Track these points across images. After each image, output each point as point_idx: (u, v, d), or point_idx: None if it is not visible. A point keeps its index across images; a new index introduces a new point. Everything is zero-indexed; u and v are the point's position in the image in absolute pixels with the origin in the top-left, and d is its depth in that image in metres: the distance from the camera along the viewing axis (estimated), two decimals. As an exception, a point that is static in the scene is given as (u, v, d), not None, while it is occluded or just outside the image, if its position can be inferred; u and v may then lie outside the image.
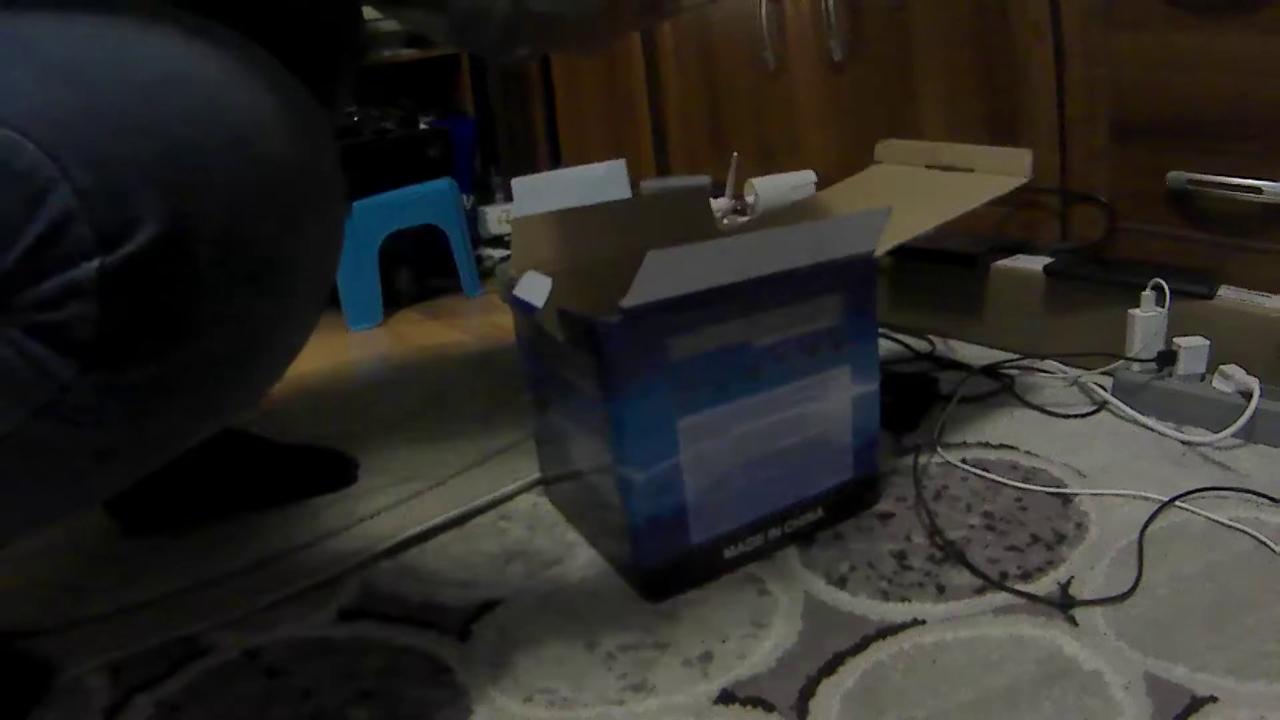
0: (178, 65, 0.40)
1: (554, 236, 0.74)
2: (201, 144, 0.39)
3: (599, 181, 1.52)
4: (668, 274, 0.55)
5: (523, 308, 0.63)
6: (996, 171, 0.83)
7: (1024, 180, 0.81)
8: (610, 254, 0.74)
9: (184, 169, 0.39)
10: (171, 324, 0.40)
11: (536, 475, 0.80)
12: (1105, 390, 0.86)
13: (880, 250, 0.66)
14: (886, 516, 0.70)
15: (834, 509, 0.69)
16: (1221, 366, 0.79)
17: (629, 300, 0.55)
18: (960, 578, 0.61)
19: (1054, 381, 0.93)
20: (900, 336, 1.09)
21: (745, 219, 1.36)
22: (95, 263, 0.37)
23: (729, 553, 0.64)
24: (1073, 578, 0.60)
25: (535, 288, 0.63)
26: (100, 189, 0.37)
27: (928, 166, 0.92)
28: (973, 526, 0.67)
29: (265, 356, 0.47)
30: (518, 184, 1.61)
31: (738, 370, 0.61)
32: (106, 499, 0.79)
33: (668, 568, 0.62)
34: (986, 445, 0.80)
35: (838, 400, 0.66)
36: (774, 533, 0.66)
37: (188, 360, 0.41)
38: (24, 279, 0.37)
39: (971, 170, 0.86)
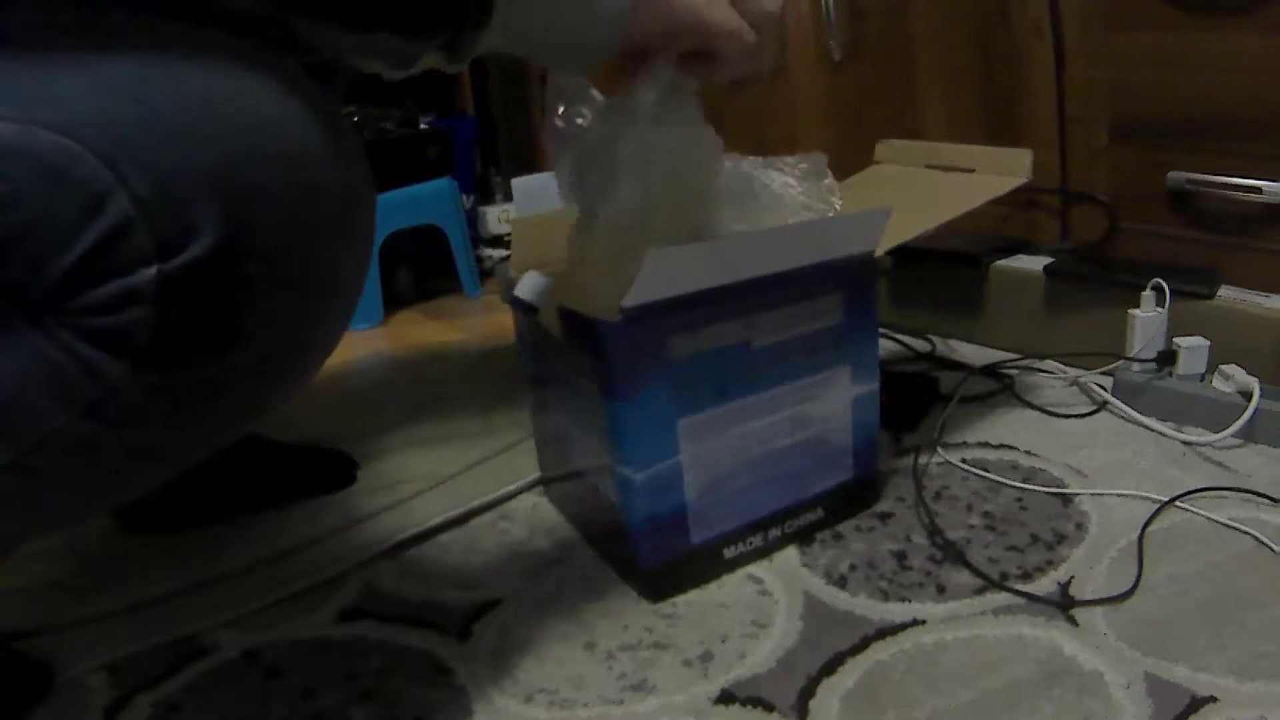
0: (230, 83, 0.42)
1: (554, 236, 0.74)
2: (255, 158, 0.41)
3: (599, 181, 1.51)
4: (668, 274, 0.55)
5: (523, 308, 0.63)
6: (997, 171, 0.83)
7: (1024, 180, 0.81)
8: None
9: (239, 181, 0.40)
10: (222, 330, 0.41)
11: (536, 475, 0.80)
12: (1105, 390, 0.86)
13: (880, 250, 0.66)
14: (886, 516, 0.70)
15: (834, 509, 0.69)
16: (1221, 366, 0.79)
17: (629, 300, 0.55)
18: (960, 578, 0.61)
19: (1054, 381, 0.93)
20: (900, 336, 1.09)
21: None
22: (153, 269, 0.38)
23: (729, 553, 0.64)
24: (1073, 578, 0.60)
25: (535, 288, 0.63)
26: (159, 198, 0.38)
27: (928, 166, 0.92)
28: (973, 526, 0.67)
29: (304, 359, 0.49)
30: (518, 184, 1.60)
31: (738, 370, 0.61)
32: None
33: (668, 568, 0.62)
34: (986, 445, 0.80)
35: (837, 400, 0.66)
36: (774, 533, 0.66)
37: (235, 364, 0.42)
38: (80, 283, 0.38)
39: (972, 170, 0.86)
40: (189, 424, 0.44)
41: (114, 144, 0.37)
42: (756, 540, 0.66)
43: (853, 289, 0.65)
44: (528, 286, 0.63)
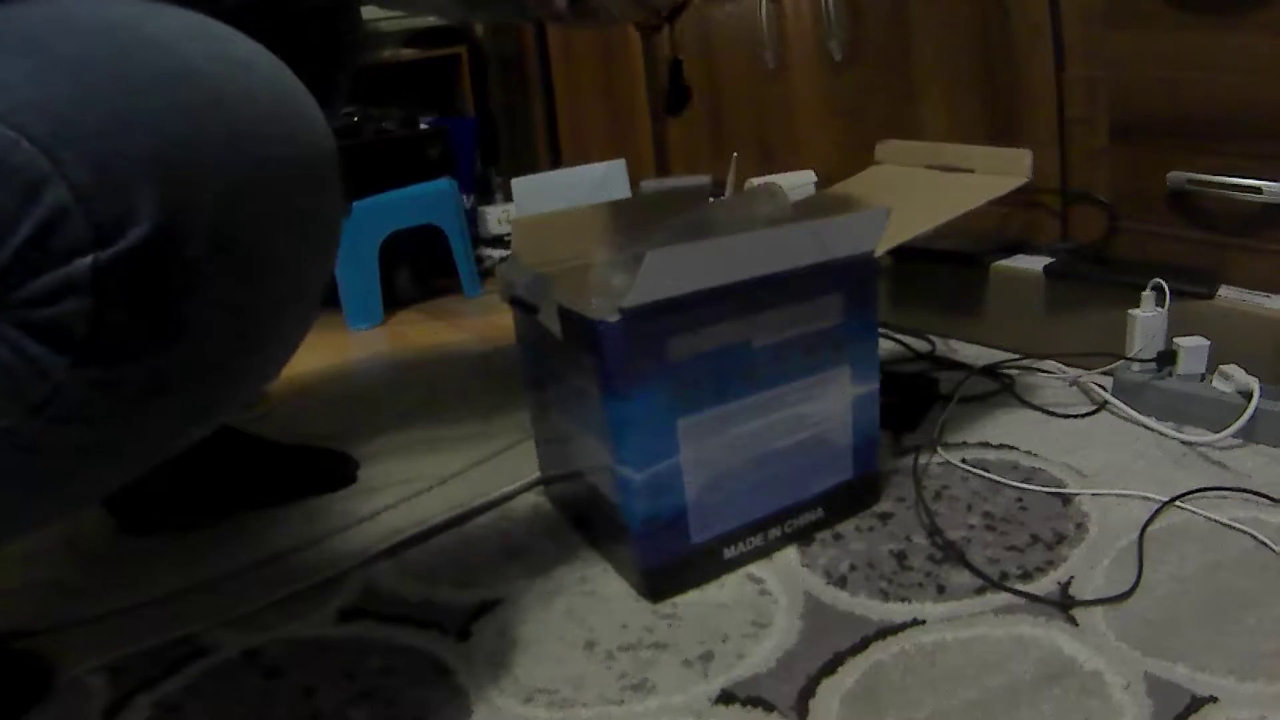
0: (176, 61, 0.40)
1: (554, 236, 0.74)
2: (198, 139, 0.39)
3: (599, 181, 1.52)
4: (667, 274, 0.55)
5: (523, 308, 0.63)
6: (996, 172, 0.83)
7: (1024, 180, 0.81)
8: (610, 253, 0.74)
9: (180, 164, 0.38)
10: (165, 320, 0.40)
11: (536, 475, 0.80)
12: (1105, 390, 0.86)
13: (880, 250, 0.66)
14: (886, 516, 0.70)
15: (834, 509, 0.69)
16: (1221, 366, 0.79)
17: (629, 300, 0.55)
18: (960, 578, 0.61)
19: (1054, 381, 0.92)
20: (900, 336, 1.09)
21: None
22: (89, 258, 0.36)
23: (729, 553, 0.64)
24: (1073, 578, 0.60)
25: (535, 288, 0.63)
26: (95, 184, 0.36)
27: (928, 166, 0.92)
28: (973, 526, 0.67)
29: (259, 354, 0.47)
30: (518, 184, 1.60)
31: (737, 370, 0.61)
32: (106, 497, 0.79)
33: (667, 568, 0.62)
34: (986, 445, 0.80)
35: (837, 400, 0.66)
36: (774, 533, 0.66)
37: (181, 357, 0.41)
38: (18, 275, 0.36)
39: (971, 170, 0.86)
40: (141, 421, 0.43)
41: (52, 128, 0.36)
42: (756, 540, 0.66)
43: (853, 289, 0.65)
44: (528, 286, 0.63)
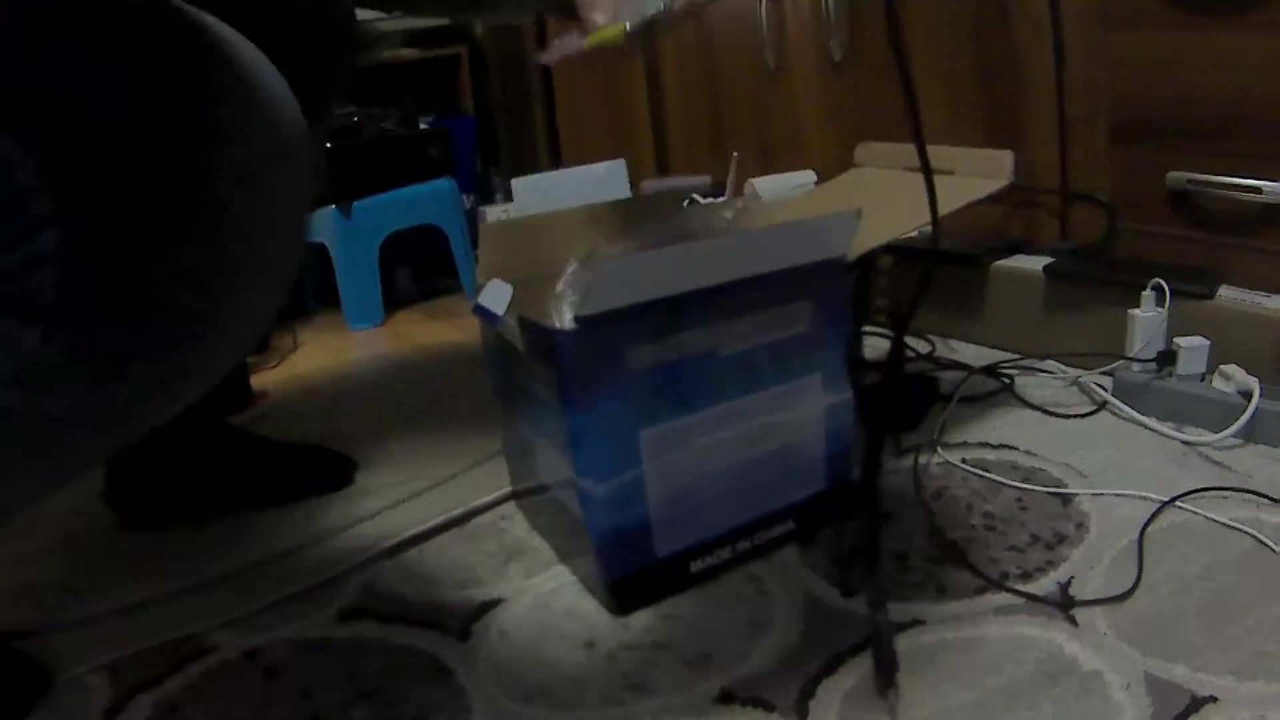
0: (136, 38, 0.41)
1: (522, 243, 0.72)
2: (153, 109, 0.40)
3: (599, 181, 1.52)
4: (624, 282, 0.54)
5: (486, 316, 0.62)
6: (977, 174, 0.82)
7: (1005, 183, 0.80)
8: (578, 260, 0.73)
9: (131, 135, 0.39)
10: (133, 285, 0.40)
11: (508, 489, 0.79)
12: (1105, 390, 0.86)
13: (854, 254, 0.65)
14: (886, 516, 0.70)
15: (806, 521, 0.68)
16: (1221, 366, 0.79)
17: (584, 309, 0.53)
18: (960, 578, 0.61)
19: (1054, 381, 0.92)
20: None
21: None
22: (56, 229, 0.37)
23: (695, 565, 0.63)
24: (1073, 578, 0.60)
25: (497, 296, 0.62)
26: (58, 155, 0.37)
27: (907, 169, 0.91)
28: (973, 526, 0.67)
29: (228, 321, 0.47)
30: (518, 184, 1.60)
31: (702, 380, 0.59)
32: (109, 491, 0.79)
33: (632, 581, 0.61)
34: (986, 445, 0.80)
35: (809, 409, 0.65)
36: (742, 545, 0.65)
37: (150, 322, 0.41)
38: None
39: (951, 173, 0.85)
40: (113, 390, 0.43)
41: (14, 108, 0.37)
42: (724, 553, 0.64)
43: (823, 295, 0.63)
44: (490, 294, 0.62)
